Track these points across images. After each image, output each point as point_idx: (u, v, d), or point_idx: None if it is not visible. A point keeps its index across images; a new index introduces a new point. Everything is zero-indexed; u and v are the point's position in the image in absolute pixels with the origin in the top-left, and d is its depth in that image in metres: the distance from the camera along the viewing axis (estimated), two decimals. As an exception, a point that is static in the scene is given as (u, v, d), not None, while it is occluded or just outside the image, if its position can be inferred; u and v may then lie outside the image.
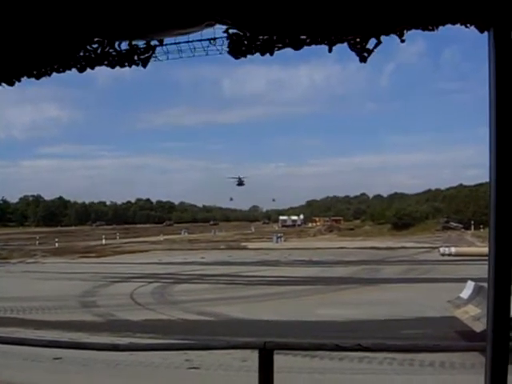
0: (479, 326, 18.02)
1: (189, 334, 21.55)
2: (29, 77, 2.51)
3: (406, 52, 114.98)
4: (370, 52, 2.35)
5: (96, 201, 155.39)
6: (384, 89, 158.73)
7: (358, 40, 2.30)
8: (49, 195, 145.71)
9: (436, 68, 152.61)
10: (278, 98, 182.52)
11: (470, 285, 22.40)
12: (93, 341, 16.77)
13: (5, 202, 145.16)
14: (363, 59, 2.36)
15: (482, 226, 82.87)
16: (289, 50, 2.36)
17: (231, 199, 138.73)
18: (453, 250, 50.78)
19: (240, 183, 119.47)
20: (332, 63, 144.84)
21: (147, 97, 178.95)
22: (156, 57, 2.43)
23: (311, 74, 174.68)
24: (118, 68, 2.43)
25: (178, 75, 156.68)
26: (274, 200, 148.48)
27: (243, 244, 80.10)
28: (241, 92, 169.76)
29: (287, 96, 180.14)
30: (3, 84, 2.53)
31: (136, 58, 2.37)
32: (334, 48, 2.34)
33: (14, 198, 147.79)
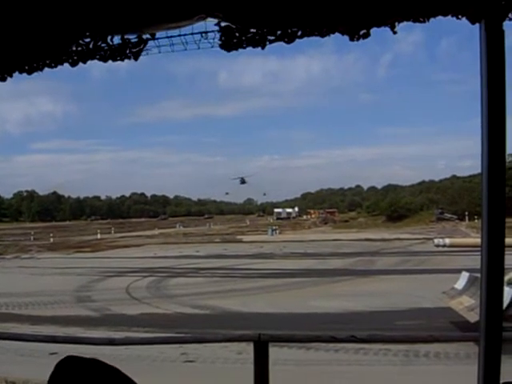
0: (473, 317, 18.11)
1: (185, 327, 21.58)
2: (21, 72, 2.51)
3: (403, 42, 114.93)
4: (358, 39, 2.36)
5: (90, 195, 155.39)
6: (380, 79, 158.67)
7: (349, 30, 2.31)
8: (43, 190, 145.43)
9: (433, 59, 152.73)
10: (273, 90, 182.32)
11: (465, 275, 22.51)
12: (89, 335, 16.78)
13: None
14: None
15: (476, 217, 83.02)
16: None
17: (227, 193, 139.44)
18: (447, 241, 50.85)
19: (243, 182, 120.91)
20: (329, 54, 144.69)
21: (142, 90, 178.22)
22: (148, 50, 2.44)
23: (308, 64, 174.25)
24: (111, 61, 2.43)
25: (172, 68, 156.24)
26: (265, 194, 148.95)
27: (238, 237, 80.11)
28: (236, 84, 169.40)
29: (283, 88, 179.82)
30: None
31: (128, 51, 2.38)
32: (330, 38, 2.35)
33: (8, 194, 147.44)
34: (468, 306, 19.92)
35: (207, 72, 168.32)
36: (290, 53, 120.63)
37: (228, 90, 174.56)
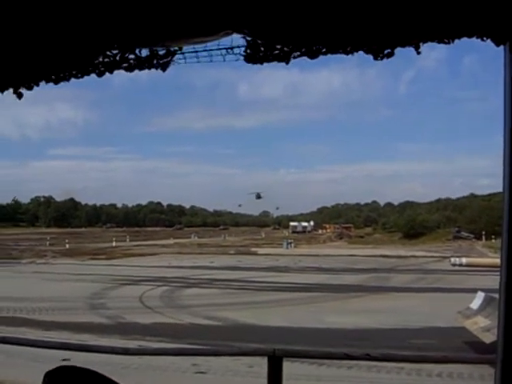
0: (489, 338, 17.93)
1: (197, 338, 21.55)
2: (47, 82, 2.54)
3: (425, 59, 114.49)
4: (382, 58, 2.37)
5: (107, 203, 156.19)
6: (401, 95, 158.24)
7: (373, 48, 2.32)
8: (58, 196, 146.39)
9: (455, 75, 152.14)
10: (293, 103, 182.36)
11: (480, 295, 22.26)
12: (103, 344, 16.79)
13: (16, 202, 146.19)
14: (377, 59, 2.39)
15: (493, 237, 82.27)
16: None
17: (240, 205, 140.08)
18: (464, 260, 50.13)
19: (258, 197, 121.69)
20: (351, 68, 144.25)
21: (162, 99, 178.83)
22: (175, 61, 2.46)
23: (329, 77, 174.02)
24: (137, 71, 2.46)
25: (193, 78, 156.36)
26: (277, 208, 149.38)
27: (253, 249, 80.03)
28: (256, 96, 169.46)
29: (303, 100, 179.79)
30: (22, 88, 2.56)
31: (155, 62, 2.40)
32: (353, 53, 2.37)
33: (25, 199, 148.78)
34: (483, 327, 19.69)
35: (227, 83, 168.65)
36: (312, 66, 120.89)
37: (247, 101, 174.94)
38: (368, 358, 4.64)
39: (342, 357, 4.69)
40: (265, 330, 23.87)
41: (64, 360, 13.49)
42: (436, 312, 26.12)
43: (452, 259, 51.31)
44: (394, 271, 49.92)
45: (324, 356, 6.17)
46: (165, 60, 2.39)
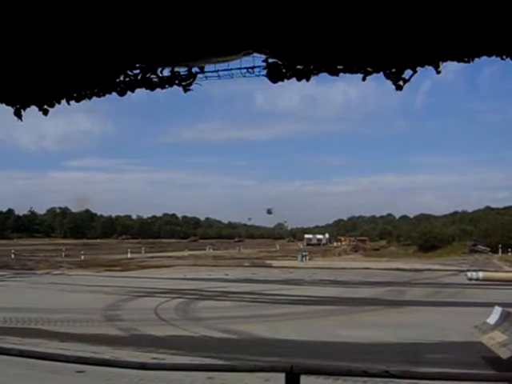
0: (506, 353, 17.75)
1: (212, 351, 21.50)
2: (69, 100, 2.56)
3: (443, 70, 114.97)
4: (405, 81, 2.36)
5: (122, 214, 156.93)
6: (418, 107, 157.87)
7: (393, 70, 2.32)
8: (74, 205, 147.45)
9: (472, 87, 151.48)
10: (310, 115, 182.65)
11: (497, 310, 22.04)
12: (121, 359, 16.81)
13: (33, 213, 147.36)
14: (399, 88, 2.38)
15: (510, 250, 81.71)
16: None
17: (249, 219, 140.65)
18: (480, 274, 49.58)
19: (269, 212, 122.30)
20: (368, 80, 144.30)
21: (178, 110, 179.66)
22: (195, 81, 2.47)
23: (346, 90, 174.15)
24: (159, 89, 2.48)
25: (210, 89, 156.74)
26: (285, 222, 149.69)
27: (268, 262, 79.89)
28: (273, 108, 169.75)
29: (320, 112, 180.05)
30: (45, 106, 2.59)
31: (177, 82, 2.42)
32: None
33: (41, 210, 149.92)
34: (500, 342, 19.50)
35: (244, 94, 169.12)
36: (328, 78, 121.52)
37: (264, 113, 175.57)
38: (387, 375, 4.59)
39: (361, 374, 4.65)
40: (280, 343, 23.75)
41: (78, 372, 13.56)
42: (452, 326, 25.91)
43: (468, 273, 50.86)
44: (410, 285, 49.56)
45: (342, 373, 6.12)
46: (187, 82, 2.41)
